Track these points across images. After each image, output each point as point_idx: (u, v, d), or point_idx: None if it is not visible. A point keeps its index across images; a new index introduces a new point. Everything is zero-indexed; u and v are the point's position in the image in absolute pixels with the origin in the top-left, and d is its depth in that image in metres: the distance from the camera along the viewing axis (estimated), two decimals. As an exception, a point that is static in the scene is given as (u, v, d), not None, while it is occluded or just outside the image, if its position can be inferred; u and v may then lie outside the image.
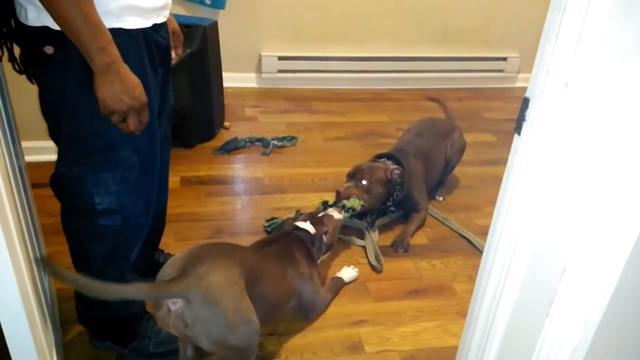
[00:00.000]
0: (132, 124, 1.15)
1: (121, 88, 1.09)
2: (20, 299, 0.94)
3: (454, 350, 1.34)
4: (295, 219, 1.82)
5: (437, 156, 2.38)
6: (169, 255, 1.84)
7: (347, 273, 1.92)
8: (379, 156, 2.23)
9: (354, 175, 2.10)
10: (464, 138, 2.52)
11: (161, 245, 1.83)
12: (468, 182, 2.63)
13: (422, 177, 2.28)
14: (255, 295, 1.34)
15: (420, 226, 2.23)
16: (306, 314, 1.72)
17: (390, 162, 2.18)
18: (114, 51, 1.07)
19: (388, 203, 2.18)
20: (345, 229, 2.10)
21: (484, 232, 2.05)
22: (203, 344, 1.28)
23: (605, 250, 0.80)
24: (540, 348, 0.88)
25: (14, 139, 1.31)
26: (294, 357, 1.60)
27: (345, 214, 1.94)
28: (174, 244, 1.98)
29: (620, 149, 0.74)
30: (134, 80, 1.12)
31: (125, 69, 1.10)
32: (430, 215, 2.33)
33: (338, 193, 2.02)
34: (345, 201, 1.98)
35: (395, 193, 2.15)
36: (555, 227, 0.86)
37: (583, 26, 0.74)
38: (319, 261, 1.75)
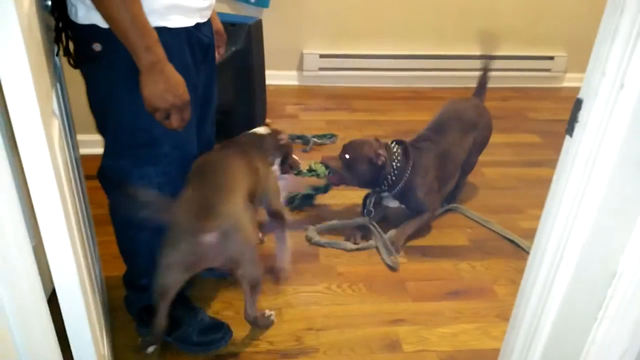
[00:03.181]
0: (175, 121, 1.19)
1: (165, 86, 1.13)
2: (79, 282, 0.99)
3: (494, 353, 1.33)
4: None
5: (456, 152, 2.22)
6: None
7: None
8: (397, 141, 2.15)
9: (344, 147, 2.11)
10: (491, 124, 2.36)
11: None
12: (510, 184, 2.58)
13: (434, 177, 2.13)
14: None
15: (420, 229, 2.13)
16: (274, 213, 1.75)
17: (398, 147, 2.10)
18: (160, 50, 1.11)
19: (382, 187, 2.09)
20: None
21: (528, 235, 2.01)
22: (232, 266, 1.46)
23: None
24: (588, 352, 0.87)
25: (71, 131, 1.37)
26: (332, 352, 1.62)
27: (305, 171, 2.13)
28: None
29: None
30: (178, 79, 1.16)
31: (169, 68, 1.14)
32: (470, 218, 2.30)
33: (322, 158, 2.14)
34: (312, 163, 2.15)
35: (390, 177, 2.05)
36: (606, 230, 0.85)
37: (642, 26, 0.72)
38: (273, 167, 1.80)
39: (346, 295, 1.85)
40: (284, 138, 1.81)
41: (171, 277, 1.40)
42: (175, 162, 1.33)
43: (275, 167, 1.84)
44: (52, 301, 0.99)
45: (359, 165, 2.06)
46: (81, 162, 1.53)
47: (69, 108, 1.39)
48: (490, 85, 2.53)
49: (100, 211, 1.81)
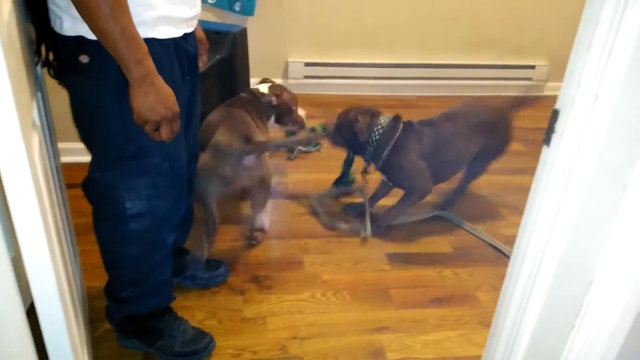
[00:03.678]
0: (165, 133, 1.19)
1: (156, 99, 1.12)
2: (58, 295, 0.98)
3: None
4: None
5: (459, 146, 2.17)
6: (195, 256, 1.87)
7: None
8: (395, 116, 2.17)
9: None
10: (510, 135, 2.31)
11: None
12: (494, 191, 2.60)
13: (422, 158, 2.11)
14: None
15: (405, 209, 2.22)
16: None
17: (387, 121, 2.12)
18: (150, 63, 1.10)
19: (366, 156, 2.17)
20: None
21: (509, 242, 2.03)
22: (260, 182, 1.90)
23: (633, 263, 0.79)
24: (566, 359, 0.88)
25: (52, 140, 1.36)
26: (316, 361, 1.61)
27: (306, 127, 2.38)
28: (201, 246, 2.01)
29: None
30: (168, 91, 1.15)
31: (159, 80, 1.13)
32: (459, 226, 2.30)
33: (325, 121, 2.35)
34: (317, 124, 2.47)
35: (369, 147, 2.12)
36: (583, 238, 0.86)
37: (615, 39, 0.74)
38: (269, 123, 2.16)
39: (330, 304, 1.85)
40: (277, 97, 2.13)
41: (214, 187, 1.75)
42: (164, 174, 1.32)
43: (271, 122, 2.17)
44: (31, 313, 0.98)
45: (343, 129, 2.20)
46: (62, 171, 1.52)
47: (50, 117, 1.38)
48: (473, 93, 2.57)
49: (82, 220, 1.79)
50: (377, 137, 2.10)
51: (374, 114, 2.15)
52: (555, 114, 0.86)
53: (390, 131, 2.10)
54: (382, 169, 2.18)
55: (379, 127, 2.11)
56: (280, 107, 2.15)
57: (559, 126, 0.85)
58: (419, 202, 2.22)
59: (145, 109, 1.13)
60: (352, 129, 2.14)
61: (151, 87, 1.11)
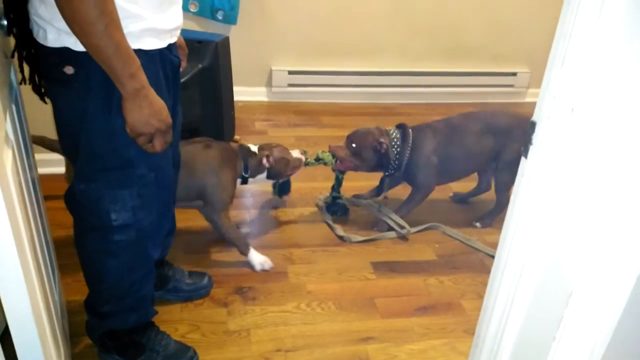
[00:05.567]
0: (158, 145, 1.19)
1: (150, 112, 1.12)
2: (32, 312, 0.95)
3: (461, 369, 1.34)
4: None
5: (471, 142, 2.25)
6: (178, 269, 1.85)
7: (256, 258, 2.02)
8: (398, 125, 2.30)
9: (349, 137, 2.28)
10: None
11: (171, 259, 1.84)
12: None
13: (434, 156, 2.22)
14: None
15: (413, 207, 2.33)
16: (207, 213, 1.97)
17: (398, 131, 2.25)
18: (142, 76, 1.10)
19: (390, 170, 2.26)
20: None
21: (492, 249, 2.03)
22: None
23: (612, 274, 0.80)
24: (547, 372, 0.88)
25: (28, 152, 1.33)
26: (300, 373, 1.60)
27: (312, 161, 2.24)
28: (184, 257, 1.99)
29: (626, 172, 0.75)
30: (160, 103, 1.15)
31: (152, 93, 1.13)
32: (451, 236, 2.30)
33: (329, 147, 2.27)
34: (319, 152, 2.26)
35: (394, 161, 2.22)
36: (562, 250, 0.86)
37: (589, 53, 0.75)
38: (253, 178, 2.08)
39: (315, 314, 1.84)
40: (268, 158, 2.06)
41: None
42: (150, 184, 1.30)
43: (261, 177, 2.11)
44: (7, 334, 0.96)
45: (365, 153, 2.23)
46: (41, 182, 1.49)
47: (26, 128, 1.36)
48: (456, 101, 2.59)
49: (62, 233, 1.76)
50: (397, 150, 2.22)
51: (386, 131, 2.25)
52: (532, 126, 0.86)
53: (402, 140, 2.23)
54: (405, 175, 2.30)
55: (395, 140, 2.22)
56: (273, 167, 2.09)
57: (536, 138, 0.86)
58: (424, 199, 2.33)
59: (140, 122, 1.12)
60: (375, 151, 2.21)
61: (145, 101, 1.11)
